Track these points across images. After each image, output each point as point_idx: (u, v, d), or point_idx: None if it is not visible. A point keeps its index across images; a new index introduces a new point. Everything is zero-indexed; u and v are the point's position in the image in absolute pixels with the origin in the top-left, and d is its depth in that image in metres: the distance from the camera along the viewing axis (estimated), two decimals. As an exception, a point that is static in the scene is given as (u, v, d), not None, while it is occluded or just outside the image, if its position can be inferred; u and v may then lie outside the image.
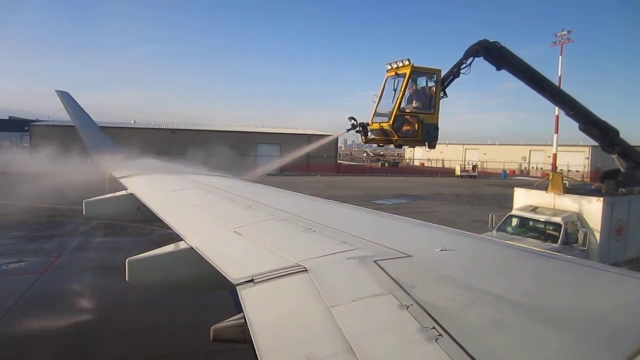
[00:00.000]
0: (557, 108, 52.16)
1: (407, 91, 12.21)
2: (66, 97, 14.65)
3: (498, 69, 13.32)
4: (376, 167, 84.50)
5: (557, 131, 57.44)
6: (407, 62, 12.09)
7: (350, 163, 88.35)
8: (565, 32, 56.37)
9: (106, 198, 8.36)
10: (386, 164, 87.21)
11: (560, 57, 55.47)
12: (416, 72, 12.33)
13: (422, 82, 12.80)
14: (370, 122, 12.56)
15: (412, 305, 2.30)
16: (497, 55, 13.08)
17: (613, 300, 2.47)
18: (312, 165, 60.92)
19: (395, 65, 12.43)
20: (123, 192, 8.35)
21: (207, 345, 4.40)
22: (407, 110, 12.35)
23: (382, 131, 12.42)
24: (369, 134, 12.77)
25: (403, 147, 13.80)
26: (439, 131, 12.68)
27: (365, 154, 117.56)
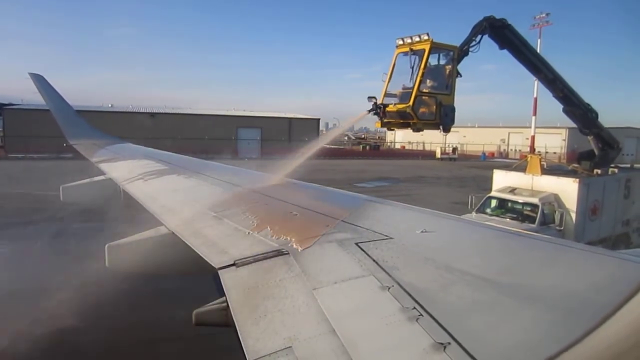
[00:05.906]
0: (535, 90, 53.17)
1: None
2: (40, 81, 14.21)
3: (501, 48, 12.84)
4: (357, 150, 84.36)
5: (535, 113, 58.20)
6: (425, 37, 11.09)
7: (331, 146, 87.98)
8: (543, 15, 56.66)
9: (84, 183, 8.23)
10: (367, 147, 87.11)
11: (539, 40, 55.90)
12: (435, 48, 11.42)
13: (434, 60, 11.90)
14: (382, 102, 11.47)
15: (393, 286, 2.33)
16: (501, 33, 12.56)
17: (586, 277, 2.53)
18: (293, 149, 60.36)
19: (409, 41, 11.40)
20: (101, 177, 8.22)
21: (189, 330, 4.39)
22: (425, 91, 11.49)
23: (398, 114, 11.48)
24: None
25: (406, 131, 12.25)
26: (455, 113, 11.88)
27: (346, 137, 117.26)
